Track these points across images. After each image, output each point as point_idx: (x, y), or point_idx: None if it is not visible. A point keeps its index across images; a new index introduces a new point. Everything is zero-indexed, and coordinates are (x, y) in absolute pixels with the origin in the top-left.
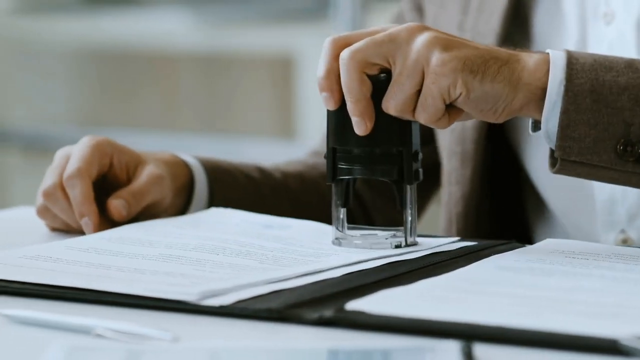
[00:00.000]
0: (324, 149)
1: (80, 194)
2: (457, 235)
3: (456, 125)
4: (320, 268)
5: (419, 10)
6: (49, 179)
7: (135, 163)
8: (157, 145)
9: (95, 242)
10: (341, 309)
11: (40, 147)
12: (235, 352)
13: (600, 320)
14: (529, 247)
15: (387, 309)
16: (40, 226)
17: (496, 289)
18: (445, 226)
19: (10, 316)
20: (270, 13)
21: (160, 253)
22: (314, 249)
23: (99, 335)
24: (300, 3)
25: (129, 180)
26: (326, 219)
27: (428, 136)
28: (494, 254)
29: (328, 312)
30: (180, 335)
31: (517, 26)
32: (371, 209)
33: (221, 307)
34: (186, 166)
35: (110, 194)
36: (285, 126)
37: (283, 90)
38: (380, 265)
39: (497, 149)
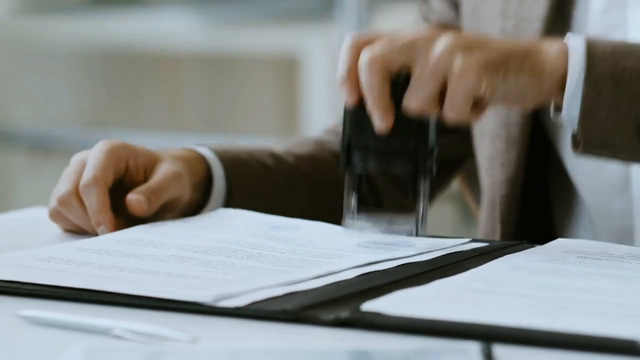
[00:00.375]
0: (338, 128)
1: (97, 202)
2: (501, 219)
3: (500, 108)
4: (334, 269)
5: (454, 5)
6: (63, 185)
7: (151, 162)
8: (161, 145)
9: (106, 244)
10: (357, 310)
11: (45, 148)
12: (255, 353)
13: (619, 321)
14: (540, 247)
15: (403, 310)
16: (53, 227)
17: (511, 289)
18: (488, 211)
19: (27, 317)
20: (275, 13)
21: (172, 254)
22: (325, 250)
23: (117, 337)
24: (305, 3)
25: (145, 180)
26: (340, 200)
27: (442, 127)
28: (506, 255)
29: (344, 313)
30: (199, 337)
31: (560, 13)
32: (382, 194)
33: (236, 308)
34: (203, 161)
35: (127, 195)
36: (289, 126)
37: (287, 91)
38: (394, 267)
39: (540, 133)
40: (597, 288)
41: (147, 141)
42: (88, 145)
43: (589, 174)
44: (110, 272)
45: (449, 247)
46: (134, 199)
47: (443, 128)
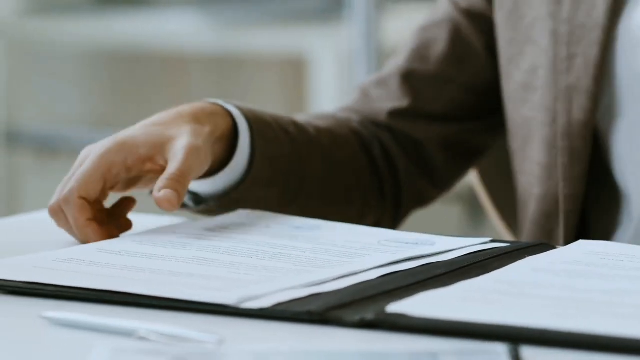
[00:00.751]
0: (354, 106)
1: (74, 219)
2: (565, 234)
3: (559, 118)
4: (357, 270)
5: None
6: (57, 191)
7: (159, 147)
8: None
9: (126, 245)
10: (382, 312)
11: (52, 148)
12: (281, 355)
13: None
14: (561, 249)
15: (428, 312)
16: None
17: (536, 291)
18: (537, 221)
19: (51, 319)
20: (282, 14)
21: (194, 256)
22: (346, 249)
23: (141, 338)
24: (312, 4)
25: (161, 166)
26: (356, 178)
27: (465, 114)
28: (527, 256)
29: (369, 315)
30: (224, 338)
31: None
32: (403, 178)
33: (261, 309)
34: (228, 115)
35: (153, 193)
36: None
37: (295, 92)
38: (415, 267)
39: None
40: (621, 289)
41: None
42: None
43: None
44: (133, 274)
45: (470, 247)
46: (162, 196)
47: (461, 115)
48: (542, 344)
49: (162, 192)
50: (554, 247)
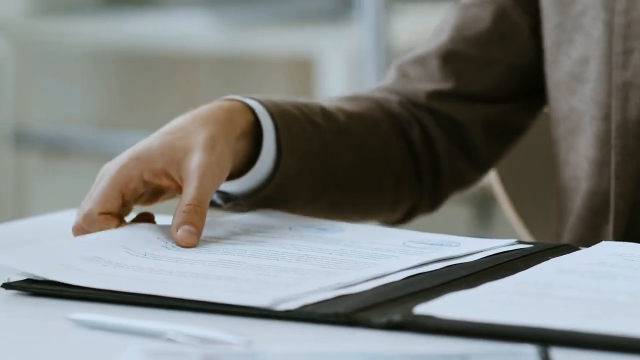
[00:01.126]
0: (394, 86)
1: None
2: (614, 232)
3: (613, 115)
4: (385, 272)
5: None
6: (79, 211)
7: (175, 161)
8: None
9: (151, 248)
10: (409, 313)
11: (60, 149)
12: (310, 356)
13: None
14: (585, 250)
15: (456, 313)
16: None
17: (562, 292)
18: (583, 217)
19: (78, 320)
20: (291, 15)
21: (220, 259)
22: (372, 250)
23: (170, 340)
24: (321, 5)
25: (175, 183)
26: (389, 164)
27: (506, 95)
28: (550, 257)
29: (397, 316)
30: (253, 340)
31: None
32: (443, 161)
33: (288, 311)
34: (249, 110)
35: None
36: None
37: (303, 92)
38: (440, 269)
39: None
40: None
41: None
42: (103, 147)
43: None
44: (161, 276)
45: (496, 248)
46: (181, 238)
47: (503, 96)
48: (571, 345)
49: (180, 233)
50: (577, 249)
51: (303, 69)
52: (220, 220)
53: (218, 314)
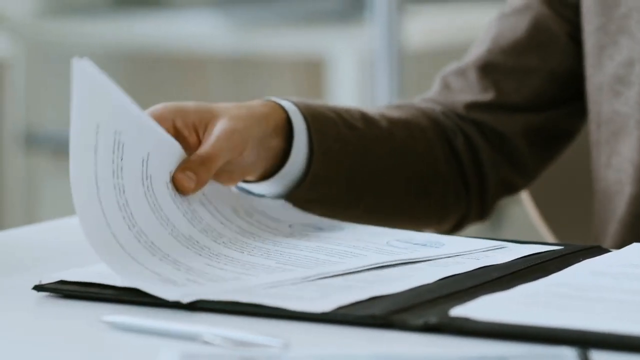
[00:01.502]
0: (437, 97)
1: None
2: None
3: None
4: (415, 274)
5: None
6: None
7: (204, 121)
8: None
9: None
10: (446, 315)
11: (68, 151)
12: (349, 359)
13: None
14: (616, 252)
15: (492, 315)
16: None
17: (597, 294)
18: (626, 223)
19: (112, 323)
20: (300, 15)
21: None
22: (348, 249)
23: (206, 343)
24: (331, 6)
25: (199, 141)
26: (434, 169)
27: (547, 103)
28: (582, 259)
29: (433, 319)
30: (289, 342)
31: None
32: (487, 169)
33: (323, 313)
34: (281, 109)
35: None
36: None
37: (313, 94)
38: (473, 270)
39: None
40: None
41: None
42: None
43: None
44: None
45: (480, 250)
46: (179, 177)
47: (543, 104)
48: (611, 348)
49: (180, 175)
50: (607, 251)
51: (313, 70)
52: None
53: (254, 317)
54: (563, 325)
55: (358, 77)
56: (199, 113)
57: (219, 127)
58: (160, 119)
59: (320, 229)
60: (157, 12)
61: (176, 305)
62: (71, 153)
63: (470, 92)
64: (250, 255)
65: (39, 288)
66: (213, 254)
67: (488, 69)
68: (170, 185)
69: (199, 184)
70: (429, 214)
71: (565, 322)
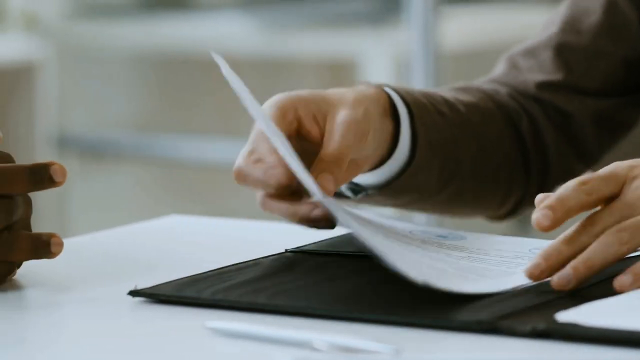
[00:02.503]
0: (503, 78)
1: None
2: None
3: None
4: (517, 280)
5: None
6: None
7: (323, 112)
8: (216, 151)
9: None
10: (553, 321)
11: (99, 153)
12: None
13: None
14: None
15: (600, 321)
16: (193, 236)
17: None
18: None
19: (217, 329)
20: (331, 17)
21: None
22: (500, 259)
23: (315, 350)
24: (361, 7)
25: (320, 134)
26: (504, 154)
27: (616, 89)
28: None
29: (540, 324)
30: (400, 348)
31: None
32: (551, 152)
33: (433, 319)
34: (384, 92)
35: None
36: None
37: None
38: None
39: None
40: None
41: (202, 146)
42: (142, 150)
43: None
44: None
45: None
46: (319, 180)
47: (612, 90)
48: None
49: (321, 177)
50: None
51: (343, 72)
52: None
53: (363, 323)
54: None
55: (390, 79)
56: (317, 103)
57: (341, 119)
58: (284, 109)
59: (442, 236)
60: (185, 14)
61: (275, 311)
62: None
63: (541, 71)
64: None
65: (134, 293)
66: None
67: (561, 49)
68: None
69: (338, 184)
70: (495, 199)
71: None
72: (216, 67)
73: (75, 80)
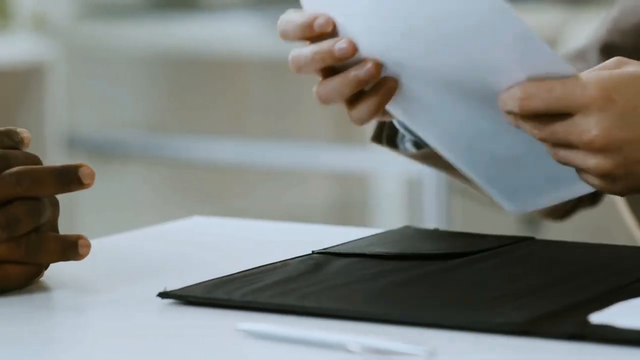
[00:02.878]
0: (584, 54)
1: None
2: None
3: None
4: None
5: None
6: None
7: None
8: (225, 151)
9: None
10: (586, 323)
11: (109, 153)
12: None
13: None
14: None
15: (634, 322)
16: (214, 237)
17: None
18: None
19: (251, 331)
20: None
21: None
22: None
23: (349, 352)
24: None
25: None
26: None
27: None
28: None
29: (574, 327)
30: (434, 350)
31: None
32: None
33: (465, 320)
34: None
35: None
36: (358, 132)
37: None
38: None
39: None
40: None
41: (212, 147)
42: (151, 151)
43: None
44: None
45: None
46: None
47: None
48: None
49: None
50: None
51: None
52: None
53: (389, 324)
54: None
55: None
56: None
57: None
58: None
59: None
60: (195, 14)
61: (304, 313)
62: None
63: None
64: None
65: (163, 295)
66: None
67: (607, 49)
68: None
69: None
70: None
71: None
72: (226, 67)
73: (84, 81)
